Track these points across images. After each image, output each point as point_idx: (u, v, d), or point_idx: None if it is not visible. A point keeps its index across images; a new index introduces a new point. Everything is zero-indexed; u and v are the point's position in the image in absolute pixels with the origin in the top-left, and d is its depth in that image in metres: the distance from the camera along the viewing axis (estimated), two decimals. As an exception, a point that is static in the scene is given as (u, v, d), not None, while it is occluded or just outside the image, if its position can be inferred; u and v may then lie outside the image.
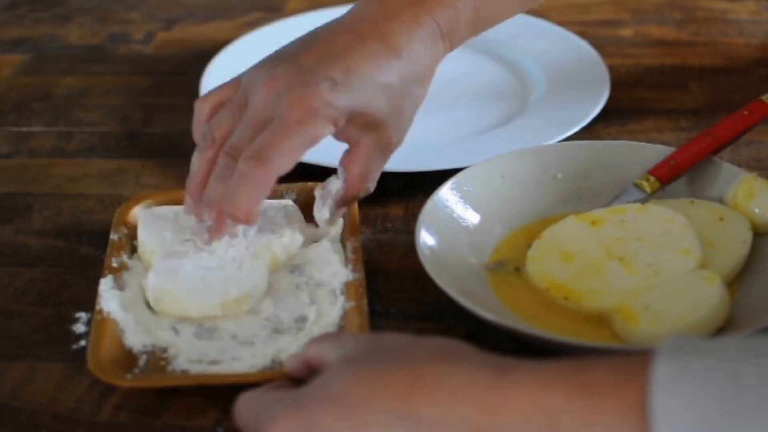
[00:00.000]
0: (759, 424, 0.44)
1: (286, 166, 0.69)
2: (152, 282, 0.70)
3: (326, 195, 0.75)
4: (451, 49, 0.77)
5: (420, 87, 0.74)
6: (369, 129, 0.72)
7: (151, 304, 0.70)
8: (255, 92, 0.71)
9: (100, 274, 0.72)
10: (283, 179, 0.74)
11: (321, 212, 0.75)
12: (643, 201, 0.76)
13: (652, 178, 0.77)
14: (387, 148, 0.74)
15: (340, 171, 0.75)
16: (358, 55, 0.71)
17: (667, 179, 0.77)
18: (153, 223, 0.75)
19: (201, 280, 0.70)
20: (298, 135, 0.68)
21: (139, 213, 0.77)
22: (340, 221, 0.77)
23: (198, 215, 0.73)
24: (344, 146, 0.75)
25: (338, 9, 1.07)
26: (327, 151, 0.75)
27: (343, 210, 0.76)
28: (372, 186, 0.75)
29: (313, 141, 0.70)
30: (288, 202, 0.78)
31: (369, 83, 0.71)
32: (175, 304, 0.69)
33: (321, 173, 0.81)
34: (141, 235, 0.74)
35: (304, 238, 0.75)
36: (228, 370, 0.65)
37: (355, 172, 0.74)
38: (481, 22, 0.78)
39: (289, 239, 0.74)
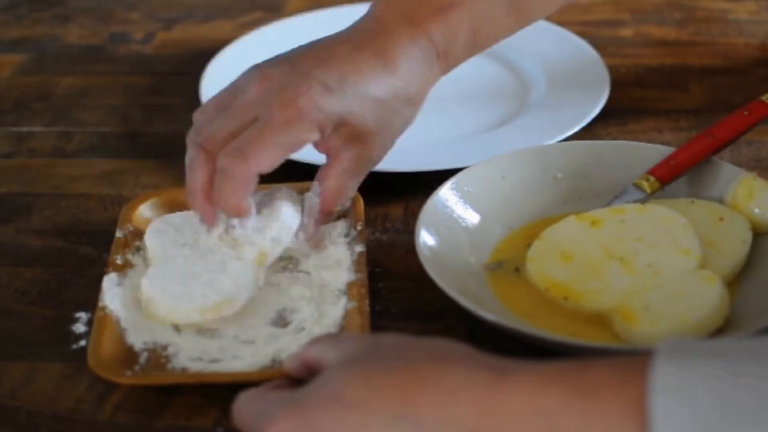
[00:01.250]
0: (759, 425, 0.44)
1: (266, 165, 0.68)
2: (143, 289, 0.70)
3: (303, 212, 0.74)
4: (447, 70, 0.76)
5: (410, 107, 0.73)
6: (352, 142, 0.71)
7: (144, 311, 0.70)
8: (246, 89, 0.70)
9: (100, 273, 0.72)
10: (285, 180, 0.74)
11: (299, 231, 0.74)
12: (643, 201, 0.76)
13: (652, 178, 0.77)
14: (366, 165, 0.73)
15: (315, 186, 0.73)
16: (353, 65, 0.71)
17: (667, 179, 0.77)
18: (160, 229, 0.75)
19: (185, 286, 0.70)
20: (283, 135, 0.68)
21: (152, 221, 0.76)
22: (323, 238, 0.75)
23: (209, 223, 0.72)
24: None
25: (338, 9, 1.08)
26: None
27: (321, 227, 0.74)
28: (347, 202, 0.74)
29: (297, 144, 0.69)
30: (281, 186, 0.75)
31: (361, 93, 0.70)
32: (162, 312, 0.69)
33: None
34: (147, 240, 0.74)
35: (297, 224, 0.73)
36: (228, 369, 0.65)
37: (330, 186, 0.72)
38: (479, 43, 0.77)
39: (277, 232, 0.72)
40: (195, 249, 0.73)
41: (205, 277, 0.70)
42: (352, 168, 0.72)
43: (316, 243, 0.74)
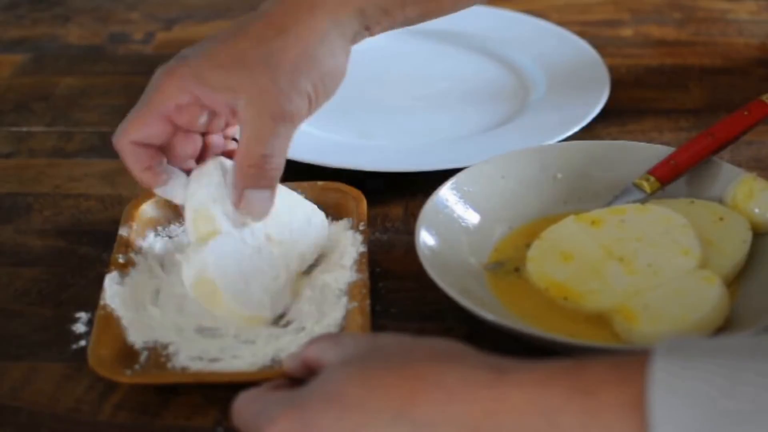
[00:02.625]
0: (758, 423, 0.44)
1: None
2: (204, 271, 0.68)
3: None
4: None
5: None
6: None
7: (188, 288, 0.69)
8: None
9: (100, 273, 0.72)
10: (288, 179, 0.74)
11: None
12: (643, 201, 0.76)
13: (652, 178, 0.77)
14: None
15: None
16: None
17: (667, 179, 0.77)
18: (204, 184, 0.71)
19: (245, 285, 0.69)
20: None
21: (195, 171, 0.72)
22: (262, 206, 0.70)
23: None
24: (337, 149, 0.74)
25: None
26: (329, 150, 0.75)
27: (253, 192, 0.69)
28: (275, 158, 0.68)
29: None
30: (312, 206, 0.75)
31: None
32: (211, 301, 0.68)
33: (323, 173, 0.81)
34: (195, 202, 0.71)
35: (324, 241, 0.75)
36: (228, 369, 0.65)
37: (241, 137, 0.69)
38: None
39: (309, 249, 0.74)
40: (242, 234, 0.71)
41: (263, 279, 0.70)
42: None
43: (252, 211, 0.69)
